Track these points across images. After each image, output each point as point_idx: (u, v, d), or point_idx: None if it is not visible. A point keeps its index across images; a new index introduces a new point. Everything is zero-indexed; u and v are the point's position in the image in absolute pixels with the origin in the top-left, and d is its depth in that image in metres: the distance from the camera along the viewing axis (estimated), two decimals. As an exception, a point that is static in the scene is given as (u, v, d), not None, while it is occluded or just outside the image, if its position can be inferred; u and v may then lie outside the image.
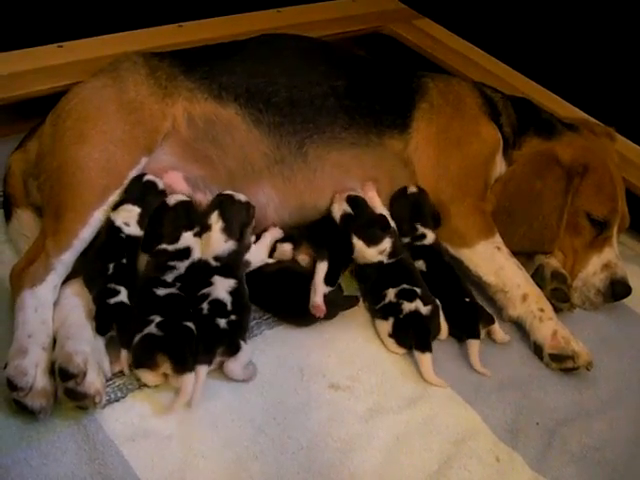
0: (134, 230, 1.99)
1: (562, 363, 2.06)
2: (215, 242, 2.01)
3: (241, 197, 2.10)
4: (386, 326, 2.03)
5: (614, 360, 2.17)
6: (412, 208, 2.22)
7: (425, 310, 2.01)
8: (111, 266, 1.90)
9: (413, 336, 1.98)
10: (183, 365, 1.73)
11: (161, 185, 2.09)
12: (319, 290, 1.99)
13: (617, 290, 2.28)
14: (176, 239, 1.99)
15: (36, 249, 1.90)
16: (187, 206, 2.07)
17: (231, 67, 2.26)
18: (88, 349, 1.73)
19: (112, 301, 1.83)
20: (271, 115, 2.21)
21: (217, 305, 1.88)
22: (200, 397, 1.74)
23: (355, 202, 2.18)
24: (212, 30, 2.80)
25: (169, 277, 1.92)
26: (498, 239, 2.22)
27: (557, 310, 2.17)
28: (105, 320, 1.81)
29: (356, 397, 1.89)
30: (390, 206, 2.26)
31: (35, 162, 2.09)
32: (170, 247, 1.98)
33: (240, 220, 2.06)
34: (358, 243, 2.13)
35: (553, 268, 2.27)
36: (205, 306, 1.87)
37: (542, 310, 2.11)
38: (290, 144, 2.20)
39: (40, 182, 2.03)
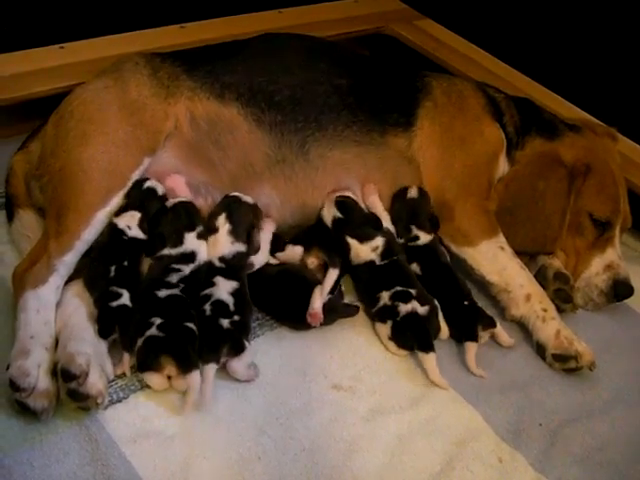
0: (136, 232, 1.99)
1: (565, 363, 2.06)
2: (222, 244, 2.01)
3: (248, 199, 2.10)
4: (385, 329, 2.02)
5: (617, 360, 2.17)
6: (409, 212, 2.23)
7: (422, 310, 2.00)
8: (112, 269, 1.90)
9: (413, 337, 1.98)
10: (188, 364, 1.73)
11: (161, 190, 2.09)
12: (321, 297, 1.99)
13: (620, 290, 2.28)
14: (180, 242, 1.99)
15: (38, 250, 1.90)
16: (187, 206, 2.07)
17: (233, 66, 2.26)
18: (90, 350, 1.73)
19: (114, 304, 1.83)
20: (273, 114, 2.21)
21: (219, 306, 1.88)
22: (210, 397, 1.74)
23: (344, 205, 2.18)
24: (214, 31, 2.80)
25: (173, 278, 1.92)
26: (502, 239, 2.22)
27: (560, 310, 2.17)
28: (107, 323, 1.81)
29: (358, 398, 1.89)
30: (391, 205, 2.26)
31: (37, 163, 2.09)
32: (174, 251, 1.98)
33: (247, 222, 2.06)
34: (352, 242, 2.13)
35: (555, 269, 2.27)
36: (208, 307, 1.87)
37: (545, 310, 2.11)
38: (292, 143, 2.20)
39: (42, 183, 2.03)
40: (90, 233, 1.93)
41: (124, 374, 1.80)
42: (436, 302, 2.05)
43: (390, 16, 3.29)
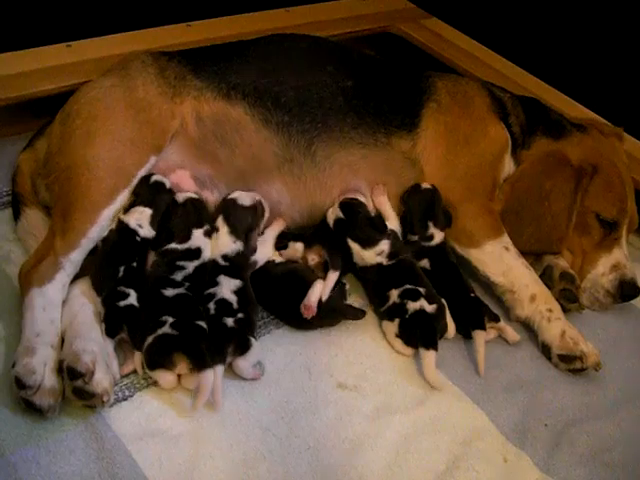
0: (147, 232, 1.99)
1: (571, 364, 2.05)
2: (224, 243, 2.03)
3: (246, 201, 2.10)
4: (392, 327, 2.03)
5: (623, 361, 2.17)
6: (426, 204, 2.21)
7: (430, 309, 2.00)
8: (122, 269, 1.90)
9: (419, 335, 1.98)
10: (202, 362, 1.73)
11: (169, 184, 2.10)
12: (318, 292, 1.98)
13: (626, 291, 2.27)
14: (187, 237, 2.00)
15: (45, 248, 1.90)
16: (196, 203, 2.08)
17: (240, 67, 2.26)
18: (96, 348, 1.73)
19: (122, 304, 1.84)
20: (280, 114, 2.21)
21: (223, 304, 1.88)
22: (221, 398, 1.74)
23: (348, 207, 2.17)
24: (220, 29, 2.81)
25: (178, 276, 1.92)
26: (506, 239, 2.22)
27: (565, 311, 2.17)
28: (115, 322, 1.81)
29: (363, 396, 1.89)
30: (402, 203, 2.26)
31: (44, 161, 2.10)
32: (180, 247, 1.99)
33: (245, 224, 2.06)
34: (354, 246, 2.13)
35: (562, 268, 2.27)
36: (212, 306, 1.88)
37: (550, 310, 2.11)
38: (299, 143, 2.20)
39: (49, 181, 2.04)
40: (96, 231, 1.93)
41: (129, 373, 1.80)
42: (443, 301, 2.05)
43: (397, 15, 3.29)
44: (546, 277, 2.25)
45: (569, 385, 2.05)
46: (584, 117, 2.66)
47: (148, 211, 2.01)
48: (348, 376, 1.93)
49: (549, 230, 2.27)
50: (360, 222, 2.15)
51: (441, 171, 2.27)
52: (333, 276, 2.04)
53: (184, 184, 2.15)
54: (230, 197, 2.11)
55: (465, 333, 2.08)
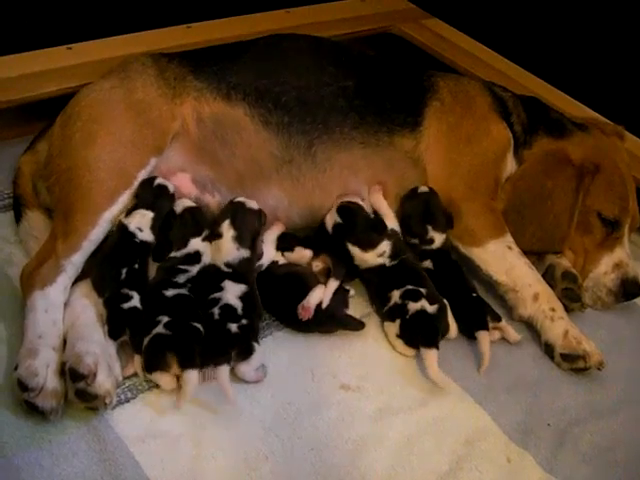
0: (147, 236, 1.99)
1: (573, 363, 2.05)
2: (226, 250, 2.01)
3: (253, 205, 2.09)
4: (393, 328, 2.02)
5: (625, 360, 2.16)
6: (424, 208, 2.21)
7: (432, 309, 2.00)
8: (124, 271, 1.90)
9: (420, 335, 1.97)
10: (189, 361, 1.72)
11: (172, 188, 2.09)
12: (318, 297, 1.98)
13: (628, 290, 2.27)
14: (184, 245, 2.00)
15: (46, 250, 1.90)
16: (194, 212, 2.07)
17: (240, 67, 2.25)
18: (98, 350, 1.73)
19: (125, 306, 1.83)
20: (280, 115, 2.21)
21: (228, 310, 1.87)
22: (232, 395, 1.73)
23: (345, 211, 2.16)
24: (221, 31, 2.81)
25: (181, 278, 1.92)
26: (509, 238, 2.22)
27: (568, 310, 2.17)
28: (118, 325, 1.81)
29: (366, 397, 1.89)
30: (400, 206, 2.26)
31: (45, 163, 2.10)
32: (179, 253, 1.99)
33: (252, 229, 2.05)
34: (354, 250, 2.13)
35: (564, 268, 2.27)
36: (216, 311, 1.87)
37: (553, 310, 2.11)
38: (299, 144, 2.20)
39: (50, 183, 2.04)
40: (97, 233, 1.93)
41: (132, 374, 1.80)
42: (445, 301, 2.05)
43: (397, 15, 3.29)
44: (548, 276, 2.25)
45: (572, 385, 2.04)
46: (585, 116, 2.66)
47: (150, 214, 2.01)
48: (351, 377, 1.93)
49: (551, 229, 2.27)
50: (359, 225, 2.14)
51: (444, 170, 2.27)
52: (333, 284, 2.04)
53: (185, 187, 2.14)
54: (237, 200, 2.10)
55: (468, 333, 2.07)
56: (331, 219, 2.17)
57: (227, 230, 2.03)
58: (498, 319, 2.08)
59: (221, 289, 1.92)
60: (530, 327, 2.16)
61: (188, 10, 2.94)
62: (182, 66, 2.23)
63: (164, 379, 1.75)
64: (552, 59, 3.12)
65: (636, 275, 2.28)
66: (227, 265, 1.98)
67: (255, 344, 1.84)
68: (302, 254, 2.14)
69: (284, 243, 2.15)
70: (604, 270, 2.28)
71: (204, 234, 2.03)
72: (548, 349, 2.10)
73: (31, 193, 2.14)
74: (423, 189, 2.24)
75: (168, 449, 1.67)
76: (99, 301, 1.86)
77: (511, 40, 3.17)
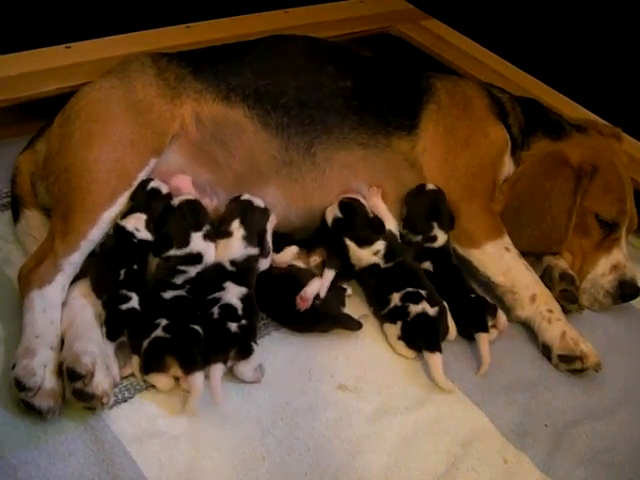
0: (145, 235, 1.99)
1: (571, 364, 2.05)
2: (235, 248, 2.00)
3: (260, 203, 2.09)
4: (395, 330, 2.02)
5: (622, 361, 2.17)
6: (430, 205, 2.21)
7: (432, 311, 2.00)
8: (122, 272, 1.90)
9: (422, 338, 1.97)
10: (192, 365, 1.73)
11: (165, 190, 2.08)
12: (317, 287, 1.99)
13: (626, 291, 2.27)
14: (186, 242, 1.98)
15: (44, 250, 1.90)
16: (193, 205, 2.06)
17: (239, 68, 2.25)
18: (96, 350, 1.73)
19: (124, 307, 1.83)
20: (279, 116, 2.21)
21: (228, 310, 1.87)
22: (220, 396, 1.73)
23: (347, 207, 2.17)
24: (220, 31, 2.80)
25: (179, 280, 1.92)
26: (507, 239, 2.22)
27: (565, 311, 2.17)
28: (116, 326, 1.81)
29: (363, 398, 1.89)
30: (406, 203, 2.25)
31: (43, 163, 2.09)
32: (180, 252, 1.97)
33: (260, 227, 2.05)
34: (351, 245, 2.13)
35: (561, 269, 2.27)
36: (216, 310, 1.87)
37: (551, 311, 2.11)
38: (298, 145, 2.20)
39: (48, 183, 2.04)
40: (96, 233, 1.93)
41: (131, 375, 1.80)
42: (445, 303, 2.05)
43: (396, 16, 3.29)
44: (546, 278, 2.25)
45: (569, 386, 2.05)
46: (583, 118, 2.66)
47: (143, 217, 2.00)
48: (348, 377, 1.93)
49: (549, 231, 2.27)
50: (358, 221, 2.15)
51: (441, 172, 2.27)
52: (329, 274, 2.05)
53: (185, 189, 2.13)
54: (243, 198, 2.09)
55: (467, 335, 2.08)
56: (332, 213, 2.17)
57: (237, 229, 2.02)
58: (495, 311, 2.08)
59: (222, 289, 1.92)
60: (528, 328, 2.16)
61: (187, 10, 2.94)
62: (182, 67, 2.22)
63: (161, 380, 1.75)
64: (550, 61, 3.12)
65: (633, 277, 2.28)
66: (232, 263, 1.98)
67: (254, 344, 1.84)
68: (289, 253, 2.14)
69: (276, 244, 2.15)
70: (601, 272, 2.29)
71: (205, 229, 2.01)
72: (546, 350, 2.10)
73: (29, 192, 2.14)
74: (431, 186, 2.24)
75: (165, 449, 1.67)
76: (97, 302, 1.86)
77: (509, 41, 3.17)
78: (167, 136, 2.12)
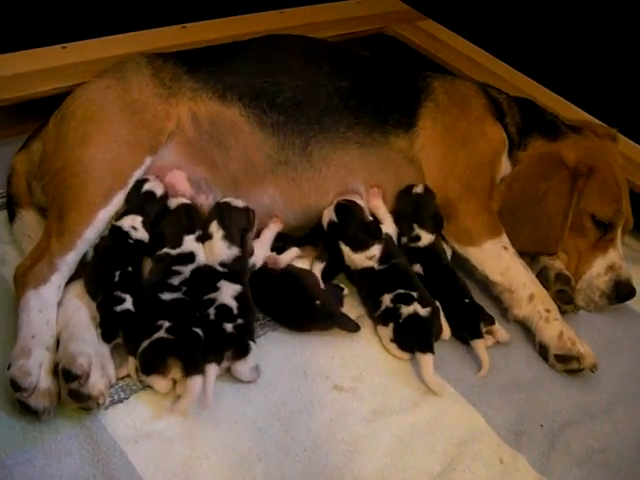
0: (142, 234, 1.99)
1: (567, 364, 2.06)
2: (218, 249, 2.01)
3: (239, 203, 2.09)
4: (387, 332, 2.02)
5: (618, 362, 2.17)
6: (413, 207, 2.22)
7: (424, 312, 1.99)
8: (117, 274, 1.89)
9: (414, 339, 1.97)
10: (194, 367, 1.72)
11: (160, 192, 2.08)
12: (292, 256, 2.08)
13: (621, 292, 2.27)
14: (178, 244, 1.99)
15: (40, 249, 1.90)
16: (188, 209, 2.07)
17: (235, 67, 2.26)
18: (92, 350, 1.72)
19: (118, 309, 1.83)
20: (275, 115, 2.21)
21: (223, 310, 1.87)
22: (212, 397, 1.73)
23: (342, 210, 2.17)
24: (216, 31, 2.81)
25: (175, 281, 1.91)
26: (505, 239, 2.22)
27: (561, 312, 2.17)
28: (111, 327, 1.81)
29: (359, 398, 1.89)
30: (395, 203, 2.26)
31: (39, 163, 2.09)
32: (173, 251, 1.98)
33: (240, 226, 2.05)
34: (345, 249, 2.14)
35: (557, 270, 2.27)
36: (212, 311, 1.86)
37: (548, 311, 2.11)
38: (294, 145, 2.20)
39: (44, 183, 2.03)
40: (92, 232, 1.93)
41: (126, 376, 1.80)
42: (437, 303, 2.05)
43: (392, 17, 3.29)
44: (542, 278, 2.25)
45: (565, 386, 2.05)
46: (578, 118, 2.66)
47: (139, 218, 2.00)
48: (344, 378, 1.93)
49: (545, 231, 2.27)
50: (353, 226, 2.15)
51: (440, 171, 2.27)
52: (319, 265, 2.12)
53: (180, 185, 2.14)
54: (223, 201, 2.10)
55: (461, 339, 2.08)
56: (327, 217, 2.18)
57: (216, 230, 2.03)
58: (491, 322, 2.08)
59: (217, 289, 1.92)
60: (524, 328, 2.16)
61: (183, 10, 2.94)
62: (177, 66, 2.22)
63: (160, 383, 1.75)
64: (546, 61, 3.12)
65: (629, 277, 2.29)
66: (222, 265, 1.98)
67: (251, 343, 1.83)
68: (291, 254, 2.15)
69: (279, 244, 2.15)
70: (597, 272, 2.29)
71: (197, 233, 2.02)
72: (542, 350, 2.10)
73: (25, 192, 2.14)
74: (417, 189, 2.24)
75: (161, 449, 1.67)
76: (92, 303, 1.86)
77: (506, 42, 3.18)
78: (163, 135, 2.12)
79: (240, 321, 1.85)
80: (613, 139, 2.53)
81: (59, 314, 1.83)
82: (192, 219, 2.05)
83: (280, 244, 2.15)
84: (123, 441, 1.67)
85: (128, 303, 1.85)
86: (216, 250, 2.01)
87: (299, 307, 2.01)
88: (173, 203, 2.07)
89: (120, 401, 1.75)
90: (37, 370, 1.66)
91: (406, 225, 2.22)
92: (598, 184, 2.30)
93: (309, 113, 2.23)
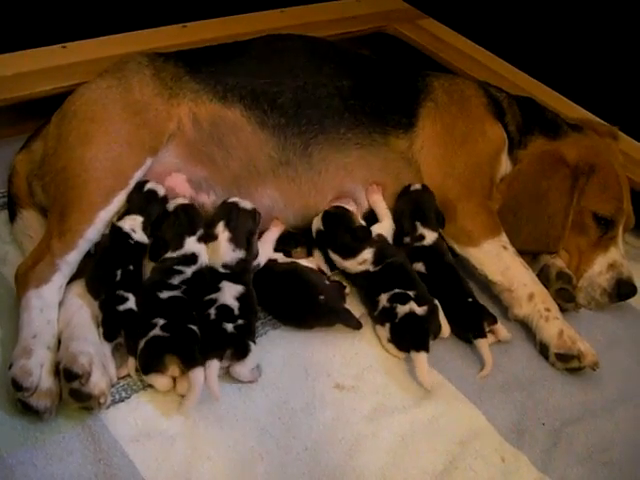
0: (140, 237, 1.99)
1: (568, 363, 2.05)
2: (223, 251, 2.00)
3: (247, 205, 2.09)
4: (384, 332, 2.02)
5: (619, 360, 2.17)
6: (413, 205, 2.22)
7: (420, 311, 1.99)
8: (119, 273, 1.89)
9: (410, 337, 1.96)
10: (192, 360, 1.72)
11: (162, 192, 2.08)
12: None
13: (623, 290, 2.27)
14: (180, 245, 1.98)
15: (41, 249, 1.90)
16: (187, 209, 2.06)
17: (236, 68, 2.25)
18: (93, 350, 1.72)
19: (121, 308, 1.83)
20: (276, 116, 2.21)
21: (224, 310, 1.87)
22: (218, 391, 1.73)
23: (329, 218, 2.17)
24: (216, 30, 2.80)
25: (175, 280, 1.91)
26: (504, 238, 2.22)
27: (562, 310, 2.17)
28: (113, 326, 1.81)
29: (361, 397, 1.89)
30: (395, 204, 2.26)
31: (40, 163, 2.09)
32: (175, 254, 1.98)
33: (246, 229, 2.05)
34: (335, 257, 2.14)
35: (558, 268, 2.27)
36: (212, 311, 1.86)
37: (548, 310, 2.11)
38: (295, 145, 2.20)
39: (45, 183, 2.04)
40: (93, 232, 1.93)
41: (127, 375, 1.80)
42: (436, 301, 2.05)
43: (392, 15, 3.29)
44: (543, 276, 2.25)
45: (566, 384, 2.05)
46: (579, 117, 2.66)
47: (140, 219, 2.00)
48: (345, 377, 1.93)
49: (546, 229, 2.27)
50: (339, 234, 2.14)
51: (439, 170, 2.27)
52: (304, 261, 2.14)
53: (179, 188, 2.14)
54: (230, 201, 2.09)
55: (463, 337, 2.07)
56: (316, 224, 2.18)
57: (222, 232, 2.03)
58: (494, 321, 2.08)
59: (218, 289, 1.92)
60: (525, 327, 2.16)
61: (184, 9, 2.94)
62: (178, 67, 2.22)
63: (160, 381, 1.75)
64: (547, 60, 3.12)
65: (630, 275, 2.28)
66: (224, 266, 1.98)
67: (251, 344, 1.83)
68: (299, 257, 2.17)
69: (285, 245, 2.17)
70: (598, 270, 2.28)
71: (199, 233, 2.02)
72: (543, 349, 2.10)
73: (26, 192, 2.14)
74: (415, 187, 2.24)
75: (163, 449, 1.67)
76: (94, 302, 1.86)
77: (506, 40, 3.18)
78: (164, 136, 2.12)
79: (241, 321, 1.85)
80: (614, 137, 2.53)
81: (60, 313, 1.83)
82: (192, 219, 2.04)
83: (292, 243, 2.18)
84: (124, 440, 1.67)
85: (131, 302, 1.85)
86: (220, 252, 2.00)
87: (303, 302, 2.01)
88: (171, 205, 2.07)
89: (121, 400, 1.75)
90: (38, 370, 1.66)
91: (408, 224, 2.22)
92: (599, 182, 2.30)
93: (310, 114, 2.23)
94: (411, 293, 2.03)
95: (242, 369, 1.82)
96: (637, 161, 2.63)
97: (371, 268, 2.11)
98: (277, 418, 1.79)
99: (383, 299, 2.03)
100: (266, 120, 2.20)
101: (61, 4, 2.78)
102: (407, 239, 2.22)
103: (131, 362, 1.79)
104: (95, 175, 1.97)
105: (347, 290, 2.13)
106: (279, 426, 1.77)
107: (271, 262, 2.10)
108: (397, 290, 2.03)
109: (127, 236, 1.96)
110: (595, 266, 2.29)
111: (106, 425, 1.69)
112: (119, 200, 2.00)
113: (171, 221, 2.03)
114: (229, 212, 2.06)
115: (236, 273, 1.97)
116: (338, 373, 1.94)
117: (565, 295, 2.22)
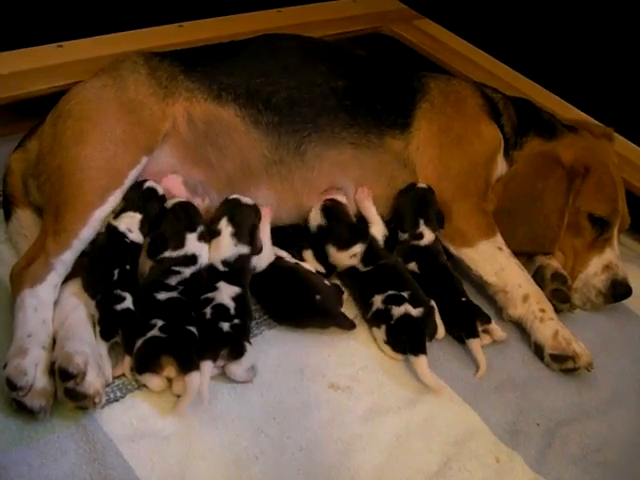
0: (136, 236, 1.98)
1: (563, 364, 2.06)
2: (225, 247, 2.00)
3: (248, 200, 2.09)
4: (380, 334, 2.02)
5: (614, 361, 2.17)
6: (418, 202, 2.22)
7: (416, 312, 1.99)
8: (116, 272, 1.89)
9: (406, 340, 1.97)
10: (189, 364, 1.72)
11: (161, 190, 2.08)
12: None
13: (618, 291, 2.28)
14: (181, 243, 1.98)
15: (36, 249, 1.89)
16: (186, 206, 2.06)
17: (231, 67, 2.25)
18: (88, 349, 1.72)
19: (118, 307, 1.83)
20: (270, 115, 2.20)
21: (220, 309, 1.87)
22: (207, 394, 1.73)
23: (330, 212, 2.17)
24: (212, 30, 2.80)
25: (173, 281, 1.91)
26: (499, 239, 2.22)
27: (557, 311, 2.17)
28: (111, 326, 1.80)
29: (356, 397, 1.89)
30: (396, 200, 2.26)
31: (35, 162, 2.08)
32: (175, 254, 1.97)
33: (249, 224, 2.05)
34: (331, 249, 2.14)
35: (553, 269, 2.27)
36: (208, 310, 1.86)
37: (543, 310, 2.11)
38: (288, 144, 2.20)
39: (40, 182, 2.03)
40: (88, 232, 1.92)
41: (123, 375, 1.80)
42: (432, 302, 2.05)
43: (389, 16, 3.29)
44: (538, 277, 2.25)
45: (561, 385, 2.05)
46: (574, 118, 2.66)
47: (138, 216, 2.00)
48: (340, 377, 1.93)
49: (541, 230, 2.28)
50: (342, 229, 2.15)
51: (434, 171, 2.28)
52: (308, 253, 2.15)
53: (175, 190, 2.13)
54: (232, 197, 2.10)
55: (457, 337, 2.08)
56: (315, 219, 2.18)
57: (225, 227, 2.03)
58: (487, 321, 2.08)
59: (215, 289, 1.92)
60: (520, 327, 2.16)
61: (180, 9, 2.94)
62: (174, 66, 2.22)
63: (154, 381, 1.75)
64: (543, 61, 3.12)
65: (625, 276, 2.29)
66: (224, 263, 1.98)
67: (247, 344, 1.83)
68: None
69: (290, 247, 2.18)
70: (594, 271, 2.29)
71: (199, 230, 2.01)
72: (538, 350, 2.10)
73: (21, 191, 2.13)
74: (421, 185, 2.24)
75: (157, 449, 1.67)
76: (89, 301, 1.86)
77: (502, 41, 3.18)
78: (159, 135, 2.12)
79: (237, 321, 1.85)
80: (609, 138, 2.54)
81: (56, 312, 1.83)
82: (191, 216, 2.04)
83: (299, 244, 2.18)
84: (119, 440, 1.66)
85: (128, 302, 1.85)
86: (222, 247, 2.00)
87: (299, 300, 2.01)
88: (169, 203, 2.07)
89: (116, 400, 1.75)
90: (33, 369, 1.65)
91: (411, 220, 2.21)
92: (594, 183, 2.31)
93: (304, 113, 2.23)
94: (405, 294, 2.03)
95: (237, 369, 1.82)
96: (632, 162, 2.63)
97: (361, 267, 2.11)
98: (272, 418, 1.79)
99: (377, 301, 2.03)
100: (260, 119, 2.20)
101: (57, 3, 2.77)
102: (405, 236, 2.22)
103: (126, 361, 1.79)
104: (90, 174, 1.96)
105: (345, 296, 2.11)
106: (274, 426, 1.77)
107: (277, 259, 2.10)
108: (391, 292, 2.04)
109: (123, 236, 1.96)
110: (590, 267, 2.30)
111: (101, 425, 1.69)
112: (114, 199, 2.00)
113: (170, 218, 2.03)
114: (232, 208, 2.07)
115: (234, 272, 1.97)
116: (333, 373, 1.93)
117: (560, 296, 2.23)
